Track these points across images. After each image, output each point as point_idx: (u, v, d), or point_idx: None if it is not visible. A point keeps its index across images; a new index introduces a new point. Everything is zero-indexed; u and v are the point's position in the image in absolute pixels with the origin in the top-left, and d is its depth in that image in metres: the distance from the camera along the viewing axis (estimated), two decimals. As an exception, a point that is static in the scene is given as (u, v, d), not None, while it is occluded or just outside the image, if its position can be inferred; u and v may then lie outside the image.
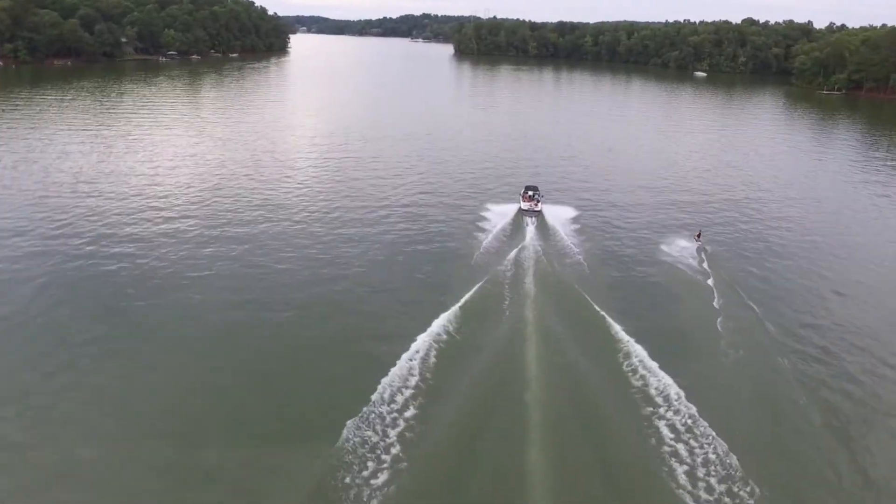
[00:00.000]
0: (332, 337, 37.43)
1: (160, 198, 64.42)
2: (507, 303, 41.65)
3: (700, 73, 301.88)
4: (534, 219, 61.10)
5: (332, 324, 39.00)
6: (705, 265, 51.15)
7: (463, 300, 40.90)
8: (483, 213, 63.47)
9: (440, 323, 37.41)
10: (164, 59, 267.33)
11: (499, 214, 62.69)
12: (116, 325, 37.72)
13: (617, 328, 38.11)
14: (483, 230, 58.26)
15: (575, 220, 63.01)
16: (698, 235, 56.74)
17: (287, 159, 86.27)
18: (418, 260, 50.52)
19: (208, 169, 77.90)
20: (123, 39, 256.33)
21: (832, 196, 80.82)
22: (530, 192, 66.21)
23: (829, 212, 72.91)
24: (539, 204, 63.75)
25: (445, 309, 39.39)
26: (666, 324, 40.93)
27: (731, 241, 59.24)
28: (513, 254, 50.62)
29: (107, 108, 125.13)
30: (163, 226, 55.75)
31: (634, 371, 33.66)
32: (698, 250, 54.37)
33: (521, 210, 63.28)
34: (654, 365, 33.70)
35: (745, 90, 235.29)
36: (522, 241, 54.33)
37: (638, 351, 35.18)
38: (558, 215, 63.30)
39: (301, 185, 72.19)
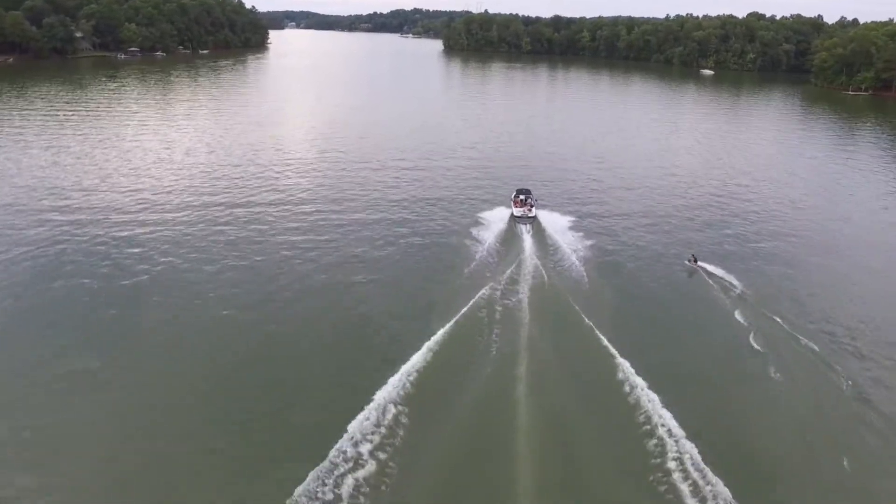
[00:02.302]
0: (316, 357, 35.84)
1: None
2: (500, 330, 38.06)
3: (707, 71, 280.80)
4: (528, 226, 56.66)
5: (316, 342, 37.42)
6: (710, 289, 46.41)
7: (454, 320, 38.37)
8: (473, 223, 58.57)
9: (429, 346, 35.39)
10: (123, 55, 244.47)
11: (490, 223, 57.98)
12: (103, 331, 37.74)
13: (619, 358, 34.99)
14: (475, 242, 53.54)
15: (574, 227, 58.05)
16: (694, 260, 50.17)
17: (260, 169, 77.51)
18: (405, 278, 46.86)
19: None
20: (78, 34, 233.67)
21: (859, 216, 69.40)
22: (522, 196, 60.90)
23: (851, 234, 62.75)
24: (533, 209, 59.16)
25: (434, 332, 36.91)
26: (673, 356, 37.37)
27: (744, 260, 53.17)
28: (509, 270, 46.67)
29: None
30: (139, 231, 53.98)
31: (636, 405, 31.12)
32: (694, 273, 49.21)
33: (513, 217, 58.48)
34: (654, 397, 31.22)
35: (758, 90, 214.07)
36: (520, 254, 50.25)
37: (638, 382, 32.58)
38: (556, 222, 58.79)
39: (277, 195, 66.84)
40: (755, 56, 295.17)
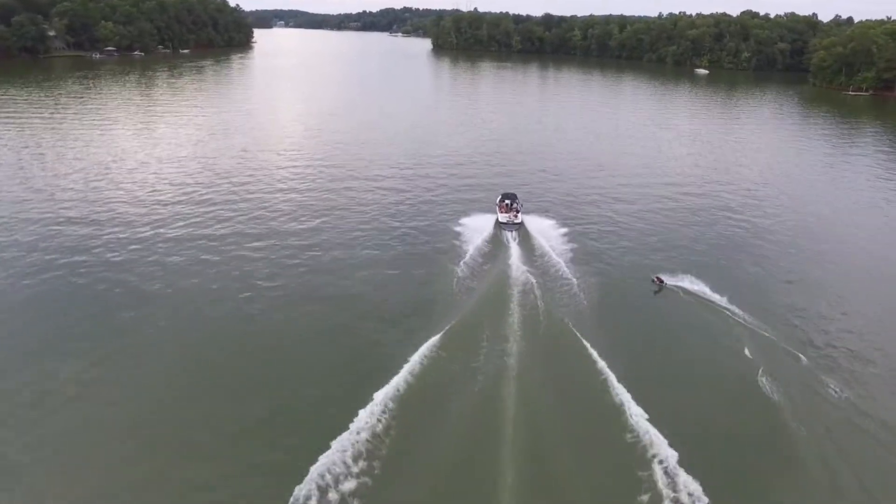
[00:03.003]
0: (292, 381, 33.29)
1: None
2: (487, 345, 35.76)
3: (702, 71, 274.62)
4: (514, 233, 53.89)
5: (291, 364, 34.81)
6: (689, 306, 43.38)
7: (439, 336, 35.91)
8: (457, 230, 55.92)
9: (413, 362, 33.36)
10: (98, 55, 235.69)
11: (474, 229, 55.09)
12: (95, 332, 37.22)
13: (609, 372, 33.06)
14: (459, 250, 51.15)
15: (562, 233, 55.64)
16: (659, 280, 46.08)
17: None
18: (386, 294, 44.00)
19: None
20: (51, 33, 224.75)
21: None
22: (507, 201, 58.48)
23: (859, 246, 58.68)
24: (519, 215, 56.49)
25: (417, 348, 34.68)
26: (664, 370, 35.47)
27: (738, 270, 50.84)
28: (494, 280, 45.05)
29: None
30: (126, 233, 53.04)
31: (625, 421, 29.79)
32: (658, 293, 45.44)
33: (498, 223, 55.87)
34: (642, 412, 29.83)
35: (755, 91, 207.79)
36: (505, 262, 47.96)
37: (628, 398, 31.00)
38: (543, 228, 56.27)
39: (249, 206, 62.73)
40: (750, 55, 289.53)
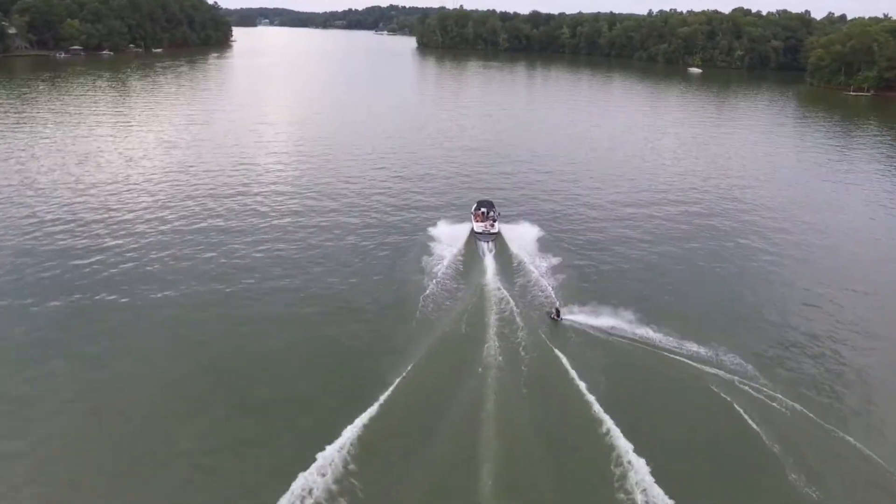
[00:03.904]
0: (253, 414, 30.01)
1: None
2: (462, 377, 32.44)
3: (695, 70, 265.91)
4: (490, 244, 50.73)
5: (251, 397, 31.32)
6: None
7: (405, 373, 32.07)
8: (428, 242, 51.58)
9: (373, 410, 29.32)
10: (63, 55, 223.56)
11: (448, 240, 51.39)
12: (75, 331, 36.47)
13: (592, 399, 30.41)
14: (430, 266, 46.61)
15: (542, 244, 51.77)
16: (556, 313, 39.65)
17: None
18: (345, 319, 38.80)
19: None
20: (11, 30, 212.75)
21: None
22: (483, 209, 55.14)
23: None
24: (495, 224, 53.02)
25: (383, 388, 30.73)
26: (657, 402, 31.94)
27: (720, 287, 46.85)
28: (467, 299, 40.82)
29: None
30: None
31: (608, 447, 27.73)
32: (554, 326, 38.80)
33: (473, 233, 52.53)
34: (629, 446, 27.35)
35: (751, 91, 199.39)
36: (480, 278, 44.14)
37: (612, 426, 28.58)
38: (521, 238, 52.41)
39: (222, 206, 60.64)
40: (743, 53, 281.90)
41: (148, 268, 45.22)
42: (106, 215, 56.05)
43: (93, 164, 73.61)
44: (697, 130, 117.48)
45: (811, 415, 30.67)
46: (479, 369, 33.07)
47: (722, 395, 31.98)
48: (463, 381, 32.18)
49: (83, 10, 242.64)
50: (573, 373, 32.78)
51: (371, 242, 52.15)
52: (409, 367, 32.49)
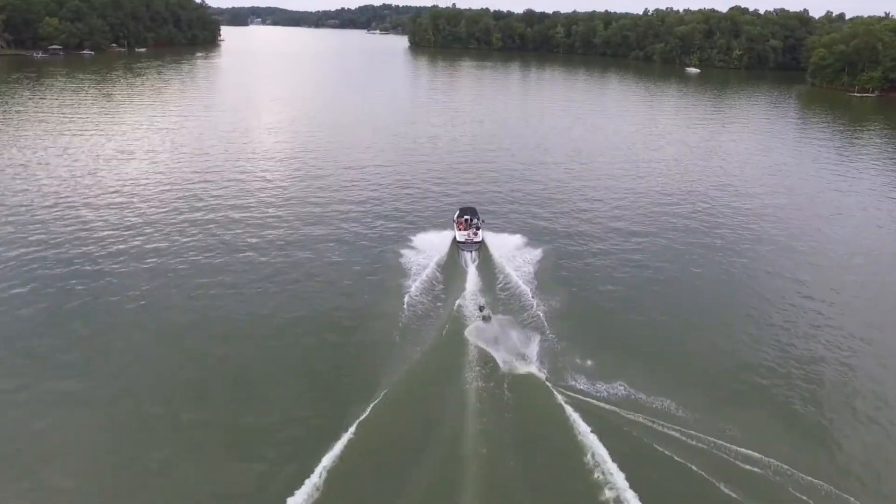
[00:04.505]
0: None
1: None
2: (440, 400, 30.49)
3: (692, 70, 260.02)
4: (473, 253, 47.80)
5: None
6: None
7: (382, 395, 30.05)
8: (409, 251, 48.51)
9: (350, 434, 27.55)
10: (41, 54, 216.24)
11: (430, 249, 48.42)
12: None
13: (594, 440, 27.44)
14: (409, 278, 43.53)
15: (529, 253, 48.90)
16: (481, 309, 37.62)
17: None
18: (317, 340, 36.44)
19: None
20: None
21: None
22: (466, 217, 52.51)
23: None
24: (479, 233, 50.25)
25: (358, 413, 28.75)
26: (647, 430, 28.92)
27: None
28: (447, 314, 38.27)
29: None
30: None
31: (597, 478, 25.92)
32: (481, 328, 36.07)
33: (455, 242, 49.40)
34: (620, 476, 25.56)
35: (751, 91, 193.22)
36: (461, 292, 41.29)
37: (605, 457, 26.55)
38: (506, 246, 49.65)
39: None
40: (741, 53, 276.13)
41: (110, 297, 41.44)
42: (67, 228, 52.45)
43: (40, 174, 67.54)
44: (698, 135, 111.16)
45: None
46: (459, 391, 31.16)
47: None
48: (442, 403, 30.32)
49: (63, 9, 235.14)
50: (559, 398, 30.31)
51: (348, 252, 49.59)
52: (385, 391, 30.43)
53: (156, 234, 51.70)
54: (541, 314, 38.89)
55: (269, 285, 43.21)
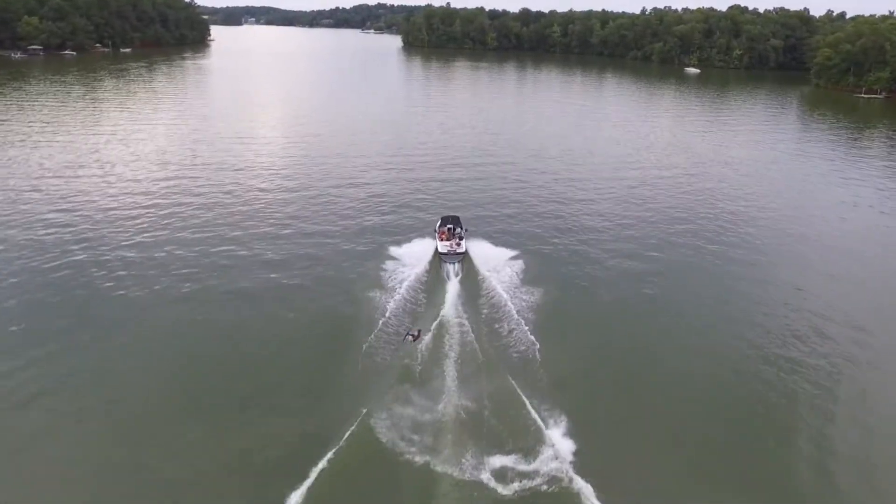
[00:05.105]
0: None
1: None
2: (416, 434, 27.48)
3: (692, 70, 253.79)
4: (457, 265, 44.71)
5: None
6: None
7: (353, 429, 27.45)
8: (388, 261, 45.51)
9: (319, 469, 25.41)
10: (19, 54, 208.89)
11: (410, 260, 45.35)
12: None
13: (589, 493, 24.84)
14: (385, 290, 40.63)
15: (515, 266, 45.27)
16: (416, 335, 34.45)
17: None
18: (280, 365, 33.28)
19: None
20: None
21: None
22: (449, 226, 48.99)
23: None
24: (462, 242, 46.73)
25: (326, 448, 26.28)
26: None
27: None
28: (429, 334, 34.99)
29: None
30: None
31: None
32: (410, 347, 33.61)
33: (437, 253, 46.00)
34: None
35: (754, 92, 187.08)
36: (440, 308, 38.26)
37: None
38: (493, 258, 46.36)
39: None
40: (742, 52, 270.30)
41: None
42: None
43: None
44: (703, 140, 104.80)
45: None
46: (436, 424, 28.31)
47: None
48: (416, 439, 27.43)
49: (44, 7, 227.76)
50: (547, 433, 27.64)
51: (322, 264, 46.36)
52: (354, 424, 27.70)
53: (100, 261, 45.68)
54: (529, 335, 35.50)
55: (241, 303, 40.05)
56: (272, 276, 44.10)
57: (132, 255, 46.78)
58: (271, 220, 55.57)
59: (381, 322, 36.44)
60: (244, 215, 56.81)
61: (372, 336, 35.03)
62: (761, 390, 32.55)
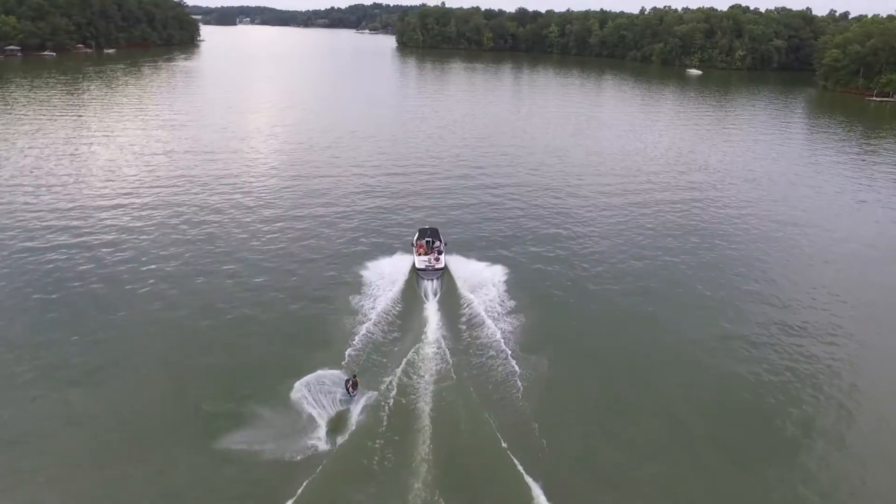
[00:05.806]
0: None
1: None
2: (387, 481, 25.08)
3: (694, 71, 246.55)
4: (435, 282, 41.24)
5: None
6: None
7: (315, 475, 25.05)
8: (361, 280, 41.91)
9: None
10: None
11: (386, 277, 41.82)
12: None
13: None
14: (357, 314, 37.28)
15: (500, 283, 41.76)
16: (353, 384, 29.72)
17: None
18: (240, 402, 29.62)
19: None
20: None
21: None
22: (427, 240, 45.68)
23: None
24: (441, 257, 43.48)
25: (286, 496, 24.05)
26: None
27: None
28: (397, 370, 31.42)
29: None
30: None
31: None
32: (348, 401, 29.30)
33: (415, 269, 42.57)
34: None
35: (759, 95, 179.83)
36: (420, 334, 34.89)
37: None
38: (475, 275, 42.59)
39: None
40: (745, 53, 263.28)
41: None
42: None
43: None
44: (705, 149, 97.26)
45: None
46: (408, 468, 25.78)
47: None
48: (392, 468, 25.65)
49: (22, 6, 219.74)
50: (533, 486, 25.02)
51: (291, 284, 42.70)
52: (318, 469, 25.29)
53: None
54: (513, 362, 32.54)
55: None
56: (230, 307, 39.37)
57: (103, 268, 44.21)
58: (235, 234, 51.44)
59: (349, 353, 32.88)
60: (210, 235, 51.57)
61: (345, 364, 31.77)
62: (767, 423, 30.30)
